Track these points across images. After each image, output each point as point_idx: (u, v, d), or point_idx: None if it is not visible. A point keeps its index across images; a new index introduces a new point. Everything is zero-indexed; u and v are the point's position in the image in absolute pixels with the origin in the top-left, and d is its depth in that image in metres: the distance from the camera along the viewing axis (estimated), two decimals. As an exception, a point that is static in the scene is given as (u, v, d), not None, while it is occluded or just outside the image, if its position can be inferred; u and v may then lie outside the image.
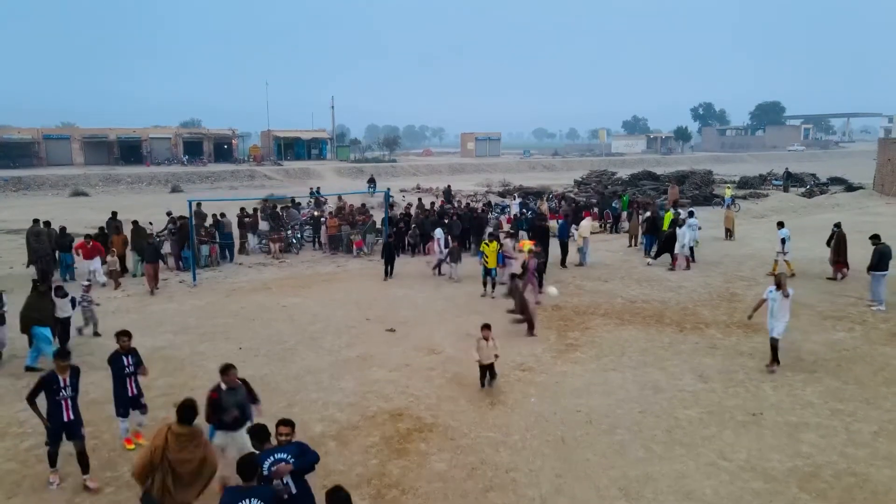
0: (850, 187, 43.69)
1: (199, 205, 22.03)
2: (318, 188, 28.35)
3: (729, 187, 35.80)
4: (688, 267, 19.58)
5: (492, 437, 8.95)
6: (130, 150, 73.50)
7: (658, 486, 7.61)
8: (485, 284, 16.95)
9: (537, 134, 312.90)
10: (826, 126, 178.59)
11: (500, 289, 16.44)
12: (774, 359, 11.22)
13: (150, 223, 23.29)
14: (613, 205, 28.24)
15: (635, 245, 23.62)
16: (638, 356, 12.09)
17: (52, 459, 7.67)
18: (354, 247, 22.45)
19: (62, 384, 7.46)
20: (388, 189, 27.36)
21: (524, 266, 15.58)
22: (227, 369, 7.38)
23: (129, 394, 8.57)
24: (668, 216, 22.05)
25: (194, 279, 18.33)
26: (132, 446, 8.58)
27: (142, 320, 14.51)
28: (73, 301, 12.73)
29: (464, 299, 16.48)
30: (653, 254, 20.82)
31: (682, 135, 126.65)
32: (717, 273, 19.16)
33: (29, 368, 11.40)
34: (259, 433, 6.16)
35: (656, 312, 14.96)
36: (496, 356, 10.47)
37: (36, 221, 19.15)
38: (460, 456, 8.40)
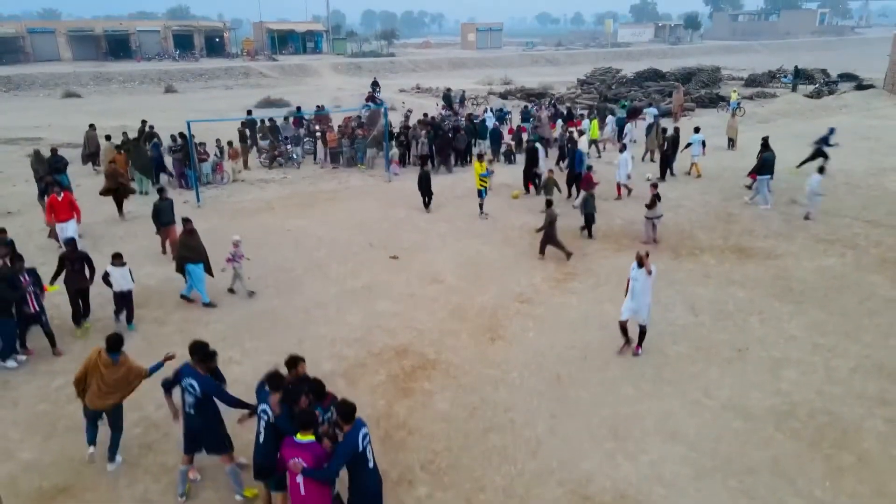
0: (861, 85, 42.63)
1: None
2: (322, 106, 27.81)
3: (735, 91, 34.93)
4: (626, 194, 18.57)
5: (491, 374, 9.53)
6: (119, 45, 71.41)
7: (645, 426, 8.24)
8: (480, 206, 17.14)
9: (541, 19, 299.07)
10: (844, 10, 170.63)
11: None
12: (627, 339, 10.00)
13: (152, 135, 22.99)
14: (617, 114, 27.49)
15: (652, 160, 22.30)
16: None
17: None
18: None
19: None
20: (383, 103, 26.79)
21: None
22: (295, 362, 6.99)
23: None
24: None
25: (198, 199, 18.48)
26: None
27: (151, 247, 14.82)
28: (130, 272, 10.99)
29: (464, 221, 16.72)
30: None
31: (691, 23, 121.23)
32: (716, 189, 19.28)
33: (183, 297, 12.07)
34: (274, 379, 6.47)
35: (642, 238, 15.22)
36: None
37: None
38: (462, 395, 9.00)
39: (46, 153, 19.17)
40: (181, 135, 20.16)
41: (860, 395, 8.87)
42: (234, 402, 6.91)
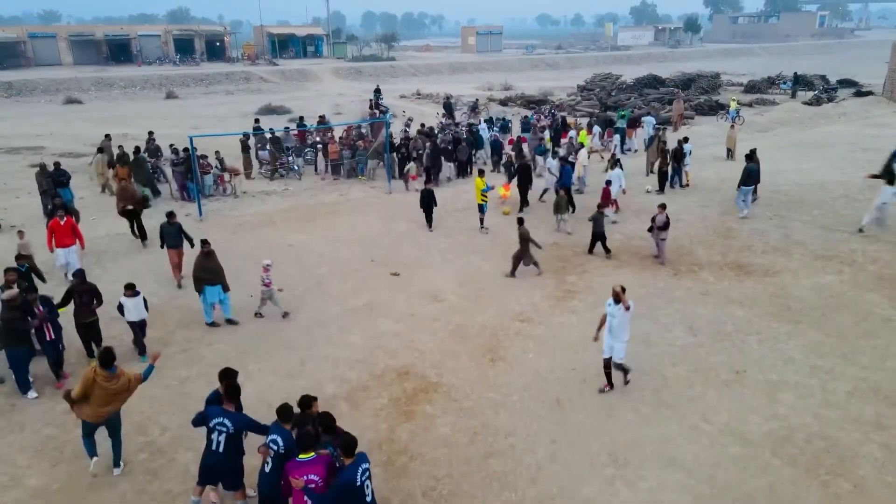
0: (859, 92, 42.79)
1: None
2: (324, 116, 28.13)
3: (734, 99, 35.05)
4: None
5: (492, 397, 9.64)
6: (120, 49, 71.64)
7: (644, 452, 8.35)
8: (480, 221, 17.25)
9: (541, 20, 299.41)
10: (843, 12, 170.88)
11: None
12: (609, 382, 9.67)
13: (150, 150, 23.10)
14: (618, 125, 27.60)
15: (651, 172, 22.03)
16: (632, 304, 12.60)
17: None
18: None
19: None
20: (388, 111, 26.92)
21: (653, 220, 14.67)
22: (308, 403, 7.22)
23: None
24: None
25: (200, 213, 18.60)
26: None
27: (154, 261, 14.95)
28: (145, 300, 10.85)
29: (464, 236, 16.84)
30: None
31: (691, 26, 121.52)
32: (715, 202, 19.38)
33: (210, 324, 11.99)
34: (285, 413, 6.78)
35: (652, 252, 15.35)
36: None
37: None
38: (463, 419, 9.11)
39: (50, 166, 19.29)
40: (184, 149, 20.27)
41: (857, 419, 8.98)
42: (265, 430, 7.00)
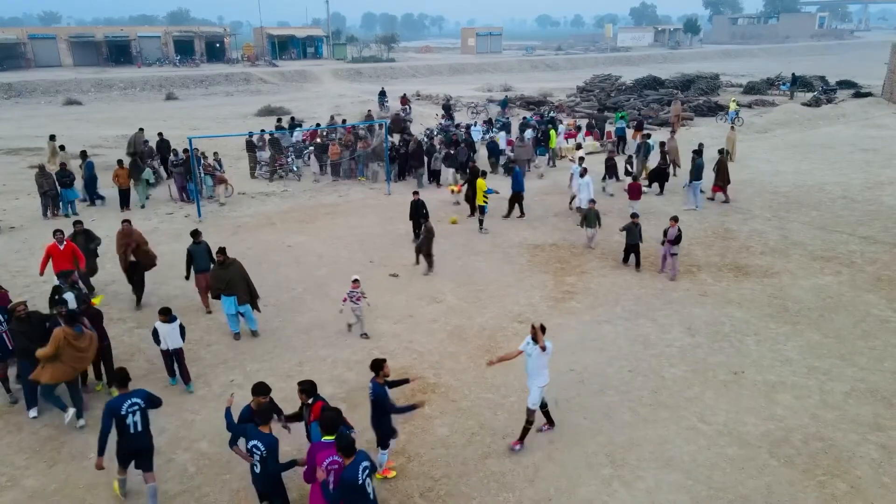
0: (859, 93, 42.83)
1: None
2: (332, 115, 28.68)
3: (733, 100, 35.07)
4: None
5: (490, 398, 9.65)
6: (120, 51, 71.70)
7: (641, 453, 8.36)
8: (480, 222, 17.26)
9: (541, 21, 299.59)
10: (843, 13, 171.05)
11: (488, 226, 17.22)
12: (521, 438, 8.46)
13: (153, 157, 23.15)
14: (618, 126, 27.55)
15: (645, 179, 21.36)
16: (631, 305, 12.66)
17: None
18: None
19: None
20: (386, 121, 26.92)
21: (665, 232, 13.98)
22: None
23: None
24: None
25: (199, 214, 18.62)
26: None
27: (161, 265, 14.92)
28: (182, 328, 9.85)
29: (463, 237, 16.85)
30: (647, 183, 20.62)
31: (690, 27, 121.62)
32: (714, 203, 19.41)
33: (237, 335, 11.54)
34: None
35: (652, 253, 15.33)
36: None
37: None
38: (461, 420, 9.12)
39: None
40: (184, 150, 20.31)
41: (854, 420, 8.99)
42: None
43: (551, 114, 32.81)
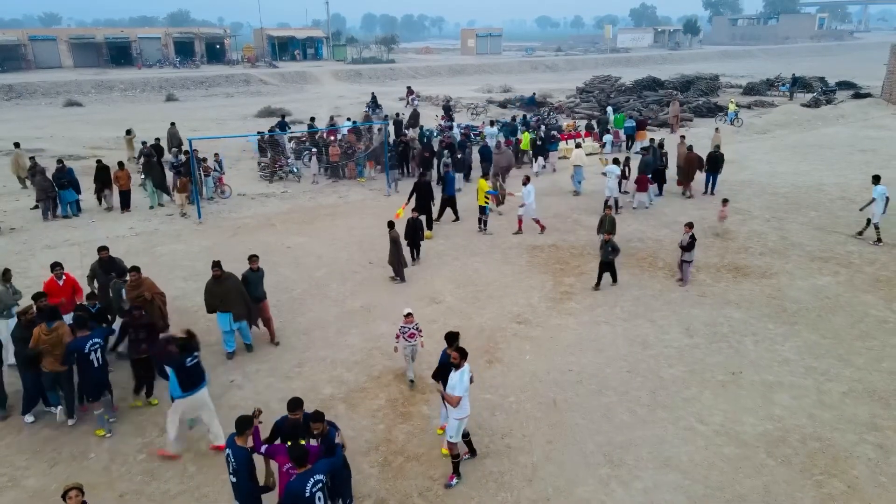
0: (858, 94, 42.89)
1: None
2: (332, 116, 28.81)
3: (732, 100, 35.12)
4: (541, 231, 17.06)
5: (489, 398, 9.68)
6: (120, 52, 71.79)
7: (639, 453, 8.39)
8: (479, 221, 17.27)
9: (540, 22, 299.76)
10: (843, 14, 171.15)
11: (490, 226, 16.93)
12: (455, 471, 7.92)
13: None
14: (627, 125, 27.45)
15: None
16: (630, 306, 12.69)
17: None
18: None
19: None
20: (386, 117, 26.94)
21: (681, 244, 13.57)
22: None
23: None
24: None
25: (199, 215, 18.65)
26: None
27: (152, 264, 14.97)
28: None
29: (462, 238, 16.88)
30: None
31: (690, 28, 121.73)
32: (713, 204, 19.40)
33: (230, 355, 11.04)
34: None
35: (650, 254, 15.41)
36: None
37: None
38: (460, 420, 9.14)
39: (50, 164, 19.39)
40: (184, 151, 20.35)
41: (851, 419, 9.02)
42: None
43: (551, 114, 32.80)
